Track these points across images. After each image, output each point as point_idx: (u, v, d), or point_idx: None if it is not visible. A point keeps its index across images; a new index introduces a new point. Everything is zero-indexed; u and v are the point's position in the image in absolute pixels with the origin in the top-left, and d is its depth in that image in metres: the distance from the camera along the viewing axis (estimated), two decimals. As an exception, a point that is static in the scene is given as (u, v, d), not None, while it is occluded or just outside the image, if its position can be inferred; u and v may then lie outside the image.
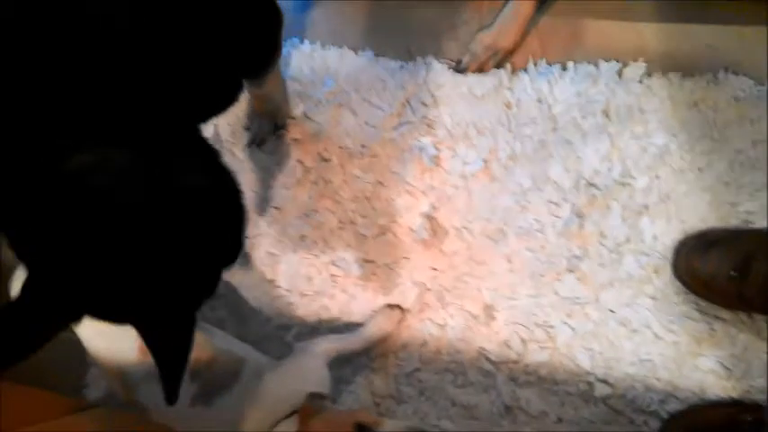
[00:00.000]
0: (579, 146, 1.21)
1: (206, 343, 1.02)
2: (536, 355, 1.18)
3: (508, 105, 1.26)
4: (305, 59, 1.37)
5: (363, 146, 1.31)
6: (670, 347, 1.13)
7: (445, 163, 1.27)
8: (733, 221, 1.14)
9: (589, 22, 1.26)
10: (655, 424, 1.13)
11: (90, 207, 0.56)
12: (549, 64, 1.27)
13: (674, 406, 1.12)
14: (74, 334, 0.98)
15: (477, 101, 1.27)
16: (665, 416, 1.12)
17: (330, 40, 1.38)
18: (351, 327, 1.25)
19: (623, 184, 1.18)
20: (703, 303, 1.12)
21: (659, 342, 1.13)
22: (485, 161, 1.25)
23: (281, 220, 1.32)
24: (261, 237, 1.33)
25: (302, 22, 1.40)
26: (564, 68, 1.26)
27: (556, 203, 1.21)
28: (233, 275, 1.33)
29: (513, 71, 1.28)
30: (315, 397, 1.00)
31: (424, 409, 1.22)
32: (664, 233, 1.16)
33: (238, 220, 0.71)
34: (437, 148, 1.27)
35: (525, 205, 1.22)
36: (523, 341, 1.19)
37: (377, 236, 1.28)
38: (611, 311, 1.16)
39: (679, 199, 1.16)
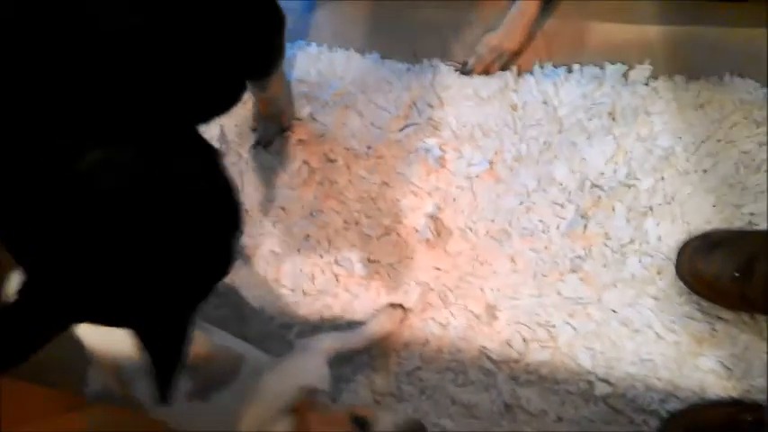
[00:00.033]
0: (584, 147, 1.21)
1: (204, 339, 1.03)
2: (537, 355, 1.19)
3: (514, 107, 1.26)
4: (311, 61, 1.38)
5: (369, 147, 1.31)
6: (671, 347, 1.13)
7: (450, 164, 1.27)
8: (737, 223, 1.13)
9: (595, 24, 1.26)
10: (655, 423, 1.12)
11: (93, 207, 0.56)
12: (555, 66, 1.27)
13: (674, 405, 1.12)
14: (73, 330, 0.99)
15: (483, 102, 1.28)
16: (666, 415, 1.12)
17: (334, 42, 1.39)
18: (353, 325, 1.26)
19: (628, 186, 1.18)
20: (705, 304, 1.11)
21: (660, 342, 1.13)
22: (490, 162, 1.25)
23: (286, 220, 1.33)
24: (265, 236, 1.34)
25: (308, 24, 1.41)
26: (569, 71, 1.26)
27: (560, 204, 1.21)
28: (236, 274, 1.34)
29: (519, 73, 1.28)
30: (311, 391, 1.01)
31: (425, 407, 1.23)
32: (668, 234, 1.15)
33: (234, 222, 0.72)
34: (442, 150, 1.27)
35: (530, 206, 1.22)
36: (525, 341, 1.20)
37: (381, 236, 1.28)
38: (614, 311, 1.16)
39: (683, 200, 1.16)
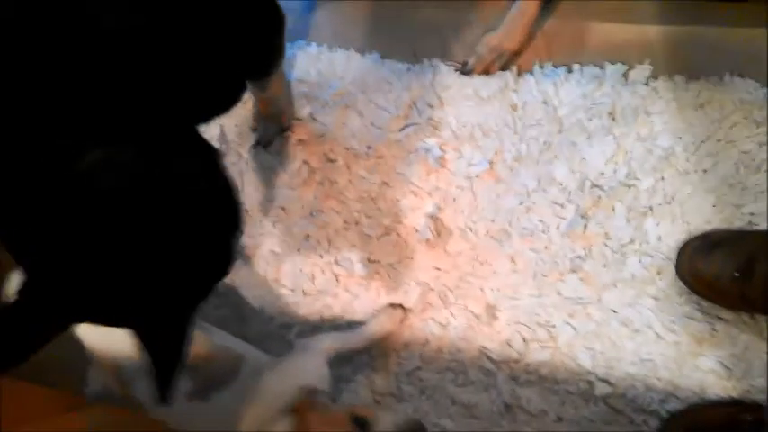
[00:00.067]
0: (584, 147, 1.21)
1: (204, 339, 1.03)
2: (537, 355, 1.19)
3: (514, 107, 1.26)
4: (312, 61, 1.38)
5: (369, 147, 1.32)
6: (671, 347, 1.13)
7: (450, 164, 1.27)
8: (737, 223, 1.13)
9: (595, 24, 1.26)
10: (654, 423, 1.12)
11: (93, 207, 0.56)
12: (555, 66, 1.27)
13: (674, 405, 1.12)
14: (73, 330, 0.99)
15: (483, 103, 1.28)
16: (665, 415, 1.12)
17: (334, 42, 1.39)
18: (353, 325, 1.26)
19: (628, 186, 1.18)
20: (705, 304, 1.11)
21: (660, 342, 1.13)
22: (490, 162, 1.25)
23: (286, 220, 1.33)
24: (265, 236, 1.34)
25: (308, 24, 1.41)
26: (569, 71, 1.26)
27: (560, 204, 1.21)
28: (236, 274, 1.34)
29: (519, 73, 1.28)
30: (311, 391, 1.01)
31: (425, 407, 1.23)
32: (668, 234, 1.15)
33: (234, 222, 0.71)
34: (442, 150, 1.28)
35: (530, 206, 1.22)
36: (525, 341, 1.20)
37: (381, 236, 1.28)
38: (614, 311, 1.16)
39: (683, 200, 1.16)
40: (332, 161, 1.33)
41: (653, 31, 1.23)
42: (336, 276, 1.30)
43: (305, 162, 1.34)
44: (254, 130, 1.38)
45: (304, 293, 1.31)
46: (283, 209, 1.34)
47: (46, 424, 0.91)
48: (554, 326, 1.19)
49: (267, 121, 1.35)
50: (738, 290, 1.04)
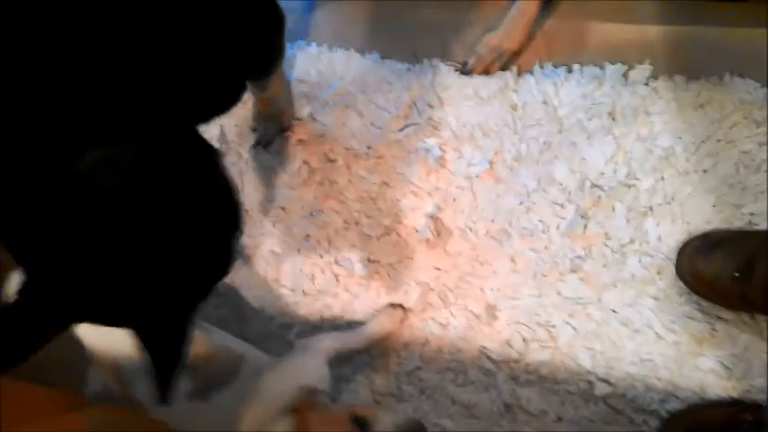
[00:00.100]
0: (584, 147, 1.21)
1: (204, 339, 1.03)
2: (537, 355, 1.19)
3: (514, 107, 1.26)
4: (312, 61, 1.38)
5: (369, 147, 1.32)
6: (671, 347, 1.13)
7: (450, 164, 1.27)
8: (737, 223, 1.13)
9: (595, 24, 1.26)
10: (654, 423, 1.12)
11: (93, 207, 0.56)
12: (555, 66, 1.27)
13: (674, 405, 1.12)
14: (73, 330, 0.99)
15: (483, 103, 1.28)
16: (665, 415, 1.12)
17: (334, 42, 1.39)
18: (353, 325, 1.26)
19: (628, 186, 1.18)
20: (705, 304, 1.11)
21: (660, 342, 1.13)
22: (490, 162, 1.25)
23: (286, 220, 1.33)
24: (265, 236, 1.34)
25: (308, 24, 1.41)
26: (569, 71, 1.26)
27: (560, 204, 1.21)
28: (236, 274, 1.34)
29: (519, 73, 1.28)
30: (311, 391, 1.01)
31: (425, 407, 1.23)
32: (668, 234, 1.15)
33: (234, 222, 0.72)
34: (442, 150, 1.28)
35: (530, 206, 1.22)
36: (525, 341, 1.20)
37: (381, 236, 1.28)
38: (614, 311, 1.16)
39: (683, 200, 1.16)
40: (332, 161, 1.33)
41: (653, 31, 1.23)
42: (336, 276, 1.30)
43: (305, 162, 1.34)
44: (254, 130, 1.38)
45: (304, 293, 1.31)
46: (283, 209, 1.34)
47: (46, 424, 0.91)
48: (554, 326, 1.19)
49: (267, 121, 1.34)
50: (738, 290, 1.04)
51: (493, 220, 1.24)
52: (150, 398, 0.69)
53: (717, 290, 1.08)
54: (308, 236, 1.32)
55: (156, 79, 0.64)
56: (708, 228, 1.14)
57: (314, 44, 1.40)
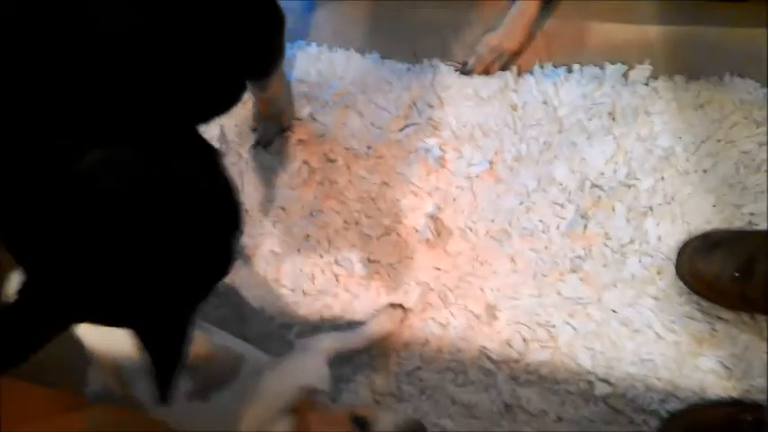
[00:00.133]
0: (584, 147, 1.21)
1: (204, 339, 1.03)
2: (537, 355, 1.19)
3: (514, 107, 1.26)
4: (312, 61, 1.38)
5: (369, 147, 1.32)
6: (671, 347, 1.13)
7: (450, 164, 1.27)
8: (737, 223, 1.13)
9: (595, 24, 1.26)
10: (654, 423, 1.12)
11: (93, 207, 0.56)
12: (555, 66, 1.27)
13: (674, 405, 1.12)
14: (73, 330, 0.99)
15: (483, 103, 1.28)
16: (665, 415, 1.12)
17: (334, 42, 1.39)
18: (353, 325, 1.26)
19: (628, 186, 1.18)
20: (705, 304, 1.11)
21: (660, 342, 1.13)
22: (490, 162, 1.25)
23: (286, 220, 1.33)
24: (265, 236, 1.34)
25: (308, 24, 1.41)
26: (569, 71, 1.26)
27: (560, 204, 1.21)
28: (236, 274, 1.34)
29: (519, 73, 1.28)
30: (311, 391, 1.01)
31: (425, 407, 1.23)
32: (668, 234, 1.15)
33: (234, 222, 0.72)
34: (442, 150, 1.28)
35: (530, 206, 1.22)
36: (525, 341, 1.20)
37: (381, 236, 1.28)
38: (614, 311, 1.16)
39: (683, 200, 1.16)
40: (332, 161, 1.33)
41: (653, 31, 1.23)
42: (336, 276, 1.30)
43: (305, 162, 1.34)
44: (254, 130, 1.38)
45: (304, 293, 1.31)
46: (283, 209, 1.34)
47: (46, 424, 0.91)
48: (554, 326, 1.19)
49: (267, 121, 1.35)
50: (738, 290, 1.04)
51: (493, 220, 1.24)
52: (150, 398, 0.69)
53: (717, 290, 1.08)
54: (308, 236, 1.32)
55: (156, 79, 0.64)
56: (708, 228, 1.14)
57: (314, 44, 1.40)
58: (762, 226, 1.12)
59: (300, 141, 1.35)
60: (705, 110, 1.18)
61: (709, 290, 1.09)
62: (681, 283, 1.13)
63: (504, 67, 1.29)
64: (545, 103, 1.25)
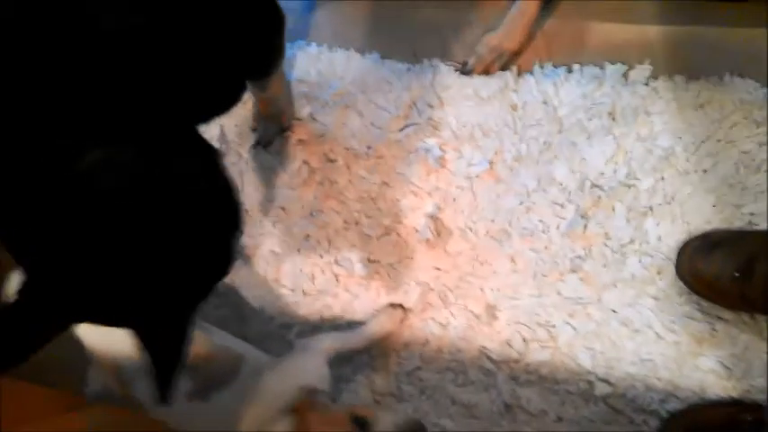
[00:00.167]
0: (584, 147, 1.21)
1: (204, 339, 1.03)
2: (537, 355, 1.19)
3: (514, 107, 1.26)
4: (311, 61, 1.38)
5: (369, 147, 1.32)
6: (671, 347, 1.13)
7: (450, 164, 1.27)
8: (737, 223, 1.13)
9: (595, 24, 1.26)
10: (654, 423, 1.13)
11: (93, 207, 0.56)
12: (555, 66, 1.27)
13: (674, 405, 1.12)
14: (73, 330, 0.99)
15: (483, 103, 1.28)
16: (665, 415, 1.12)
17: (334, 42, 1.39)
18: (353, 325, 1.26)
19: (628, 186, 1.18)
20: (705, 304, 1.11)
21: (660, 342, 1.13)
22: (490, 162, 1.25)
23: (286, 220, 1.33)
24: (265, 236, 1.34)
25: (308, 24, 1.41)
26: (569, 71, 1.26)
27: (560, 204, 1.21)
28: (236, 274, 1.34)
29: (519, 73, 1.28)
30: (311, 391, 1.01)
31: (425, 407, 1.23)
32: (668, 234, 1.15)
33: (234, 222, 0.72)
34: (442, 150, 1.28)
35: (530, 206, 1.22)
36: (525, 341, 1.20)
37: (381, 236, 1.28)
38: (614, 311, 1.16)
39: (683, 200, 1.16)
40: (332, 161, 1.33)
41: (653, 31, 1.23)
42: (336, 276, 1.30)
43: (305, 162, 1.34)
44: (254, 130, 1.38)
45: (304, 293, 1.31)
46: (283, 209, 1.34)
47: (46, 424, 0.91)
48: (554, 326, 1.19)
49: (267, 121, 1.34)
50: (738, 290, 1.04)
51: (493, 220, 1.24)
52: (150, 398, 0.69)
53: (717, 290, 1.08)
54: (308, 236, 1.32)
55: (156, 79, 0.64)
56: (708, 228, 1.14)
57: (314, 44, 1.40)
58: (762, 226, 1.12)
59: (300, 141, 1.35)
60: (705, 110, 1.18)
61: (709, 290, 1.09)
62: (681, 283, 1.13)
63: (504, 67, 1.29)
64: (545, 103, 1.25)
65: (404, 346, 1.26)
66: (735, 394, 1.09)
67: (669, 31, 1.23)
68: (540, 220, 1.22)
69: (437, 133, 1.29)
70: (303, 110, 1.36)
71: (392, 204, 1.29)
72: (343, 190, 1.31)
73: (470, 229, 1.25)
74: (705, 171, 1.16)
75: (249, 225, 1.34)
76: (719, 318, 1.11)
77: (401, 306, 1.26)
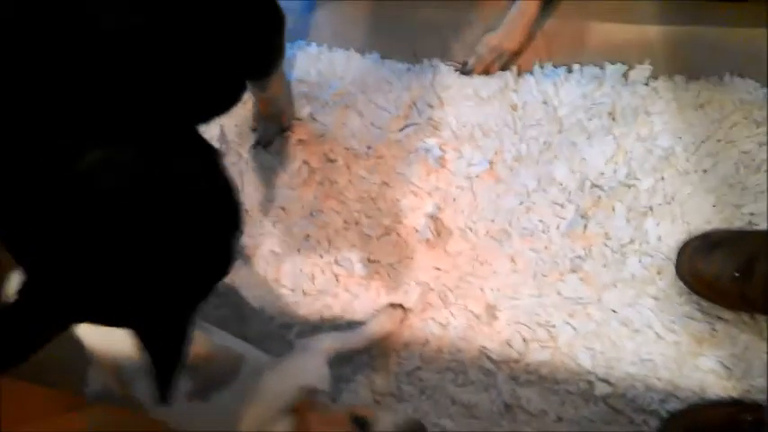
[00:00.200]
0: (584, 147, 1.21)
1: (204, 339, 1.03)
2: (537, 355, 1.19)
3: (514, 107, 1.26)
4: (312, 61, 1.38)
5: (369, 147, 1.32)
6: (671, 347, 1.13)
7: (450, 164, 1.27)
8: (737, 223, 1.13)
9: (595, 24, 1.26)
10: (654, 423, 1.12)
11: (93, 207, 0.56)
12: (555, 66, 1.27)
13: (674, 405, 1.12)
14: (73, 330, 0.99)
15: (483, 103, 1.28)
16: (665, 415, 1.12)
17: (334, 42, 1.39)
18: (353, 325, 1.26)
19: (628, 186, 1.18)
20: (705, 304, 1.11)
21: (660, 342, 1.13)
22: (490, 162, 1.25)
23: (286, 220, 1.33)
24: (265, 236, 1.34)
25: (308, 24, 1.41)
26: (569, 71, 1.26)
27: (560, 204, 1.21)
28: (236, 274, 1.34)
29: (519, 73, 1.28)
30: (311, 391, 1.01)
31: (425, 407, 1.23)
32: (668, 234, 1.15)
33: (234, 222, 0.71)
34: (442, 150, 1.27)
35: (530, 206, 1.22)
36: (525, 341, 1.20)
37: (381, 236, 1.28)
38: (614, 311, 1.16)
39: (683, 200, 1.16)
40: (332, 161, 1.33)
41: (653, 31, 1.23)
42: (336, 276, 1.30)
43: (305, 162, 1.34)
44: (254, 130, 1.38)
45: (304, 293, 1.31)
46: (283, 209, 1.34)
47: (46, 424, 0.91)
48: (554, 326, 1.19)
49: (267, 121, 1.34)
50: (738, 290, 1.04)
51: (493, 220, 1.24)
52: (150, 398, 0.69)
53: (717, 290, 1.08)
54: (308, 236, 1.32)
55: (156, 79, 0.64)
56: (708, 228, 1.14)
57: (314, 44, 1.40)
58: (762, 226, 1.12)
59: (300, 141, 1.35)
60: (705, 110, 1.18)
61: (709, 290, 1.09)
62: (681, 283, 1.13)
63: (504, 67, 1.29)
64: (545, 103, 1.25)
65: (404, 346, 1.26)
66: (735, 394, 1.09)
67: (669, 31, 1.23)
68: (540, 220, 1.22)
69: (437, 133, 1.29)
70: (303, 110, 1.35)
71: (392, 204, 1.29)
72: (343, 190, 1.31)
73: (470, 229, 1.24)
74: (705, 171, 1.16)
75: (249, 225, 1.34)
76: (719, 318, 1.11)
77: (401, 306, 1.26)
